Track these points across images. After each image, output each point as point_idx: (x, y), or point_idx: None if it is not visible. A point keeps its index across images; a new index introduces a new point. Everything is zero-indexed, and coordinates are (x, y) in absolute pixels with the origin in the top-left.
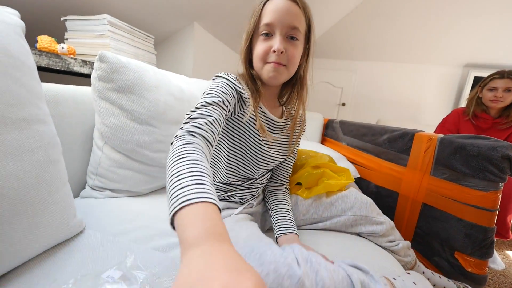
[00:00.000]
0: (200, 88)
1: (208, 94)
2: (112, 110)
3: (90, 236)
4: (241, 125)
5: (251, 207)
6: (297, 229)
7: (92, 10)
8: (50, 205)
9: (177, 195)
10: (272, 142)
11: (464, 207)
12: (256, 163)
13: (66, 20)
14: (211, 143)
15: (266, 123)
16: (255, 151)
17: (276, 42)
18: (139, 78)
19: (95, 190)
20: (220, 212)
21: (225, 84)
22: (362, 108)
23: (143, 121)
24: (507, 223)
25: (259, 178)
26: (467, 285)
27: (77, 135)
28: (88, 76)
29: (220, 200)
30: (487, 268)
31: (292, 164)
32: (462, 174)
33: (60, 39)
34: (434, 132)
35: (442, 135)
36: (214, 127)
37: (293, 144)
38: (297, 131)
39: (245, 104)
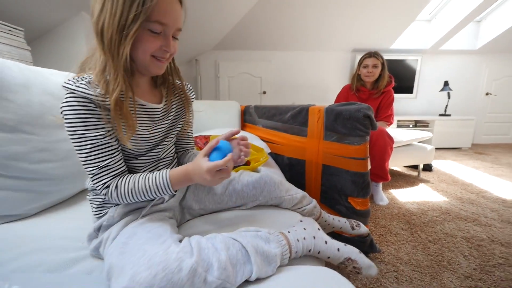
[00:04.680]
0: None
1: (80, 147)
2: None
3: None
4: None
5: (162, 202)
6: (212, 214)
7: None
8: None
9: (155, 183)
10: (156, 130)
11: (348, 160)
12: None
13: None
14: (124, 172)
15: (146, 115)
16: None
17: (170, 44)
18: None
19: None
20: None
21: (78, 110)
22: (280, 94)
23: (12, 128)
24: (386, 169)
25: (162, 159)
26: (357, 221)
27: None
28: None
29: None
30: (369, 204)
31: (191, 133)
32: (343, 135)
33: None
34: None
35: (327, 106)
36: (115, 165)
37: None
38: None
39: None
